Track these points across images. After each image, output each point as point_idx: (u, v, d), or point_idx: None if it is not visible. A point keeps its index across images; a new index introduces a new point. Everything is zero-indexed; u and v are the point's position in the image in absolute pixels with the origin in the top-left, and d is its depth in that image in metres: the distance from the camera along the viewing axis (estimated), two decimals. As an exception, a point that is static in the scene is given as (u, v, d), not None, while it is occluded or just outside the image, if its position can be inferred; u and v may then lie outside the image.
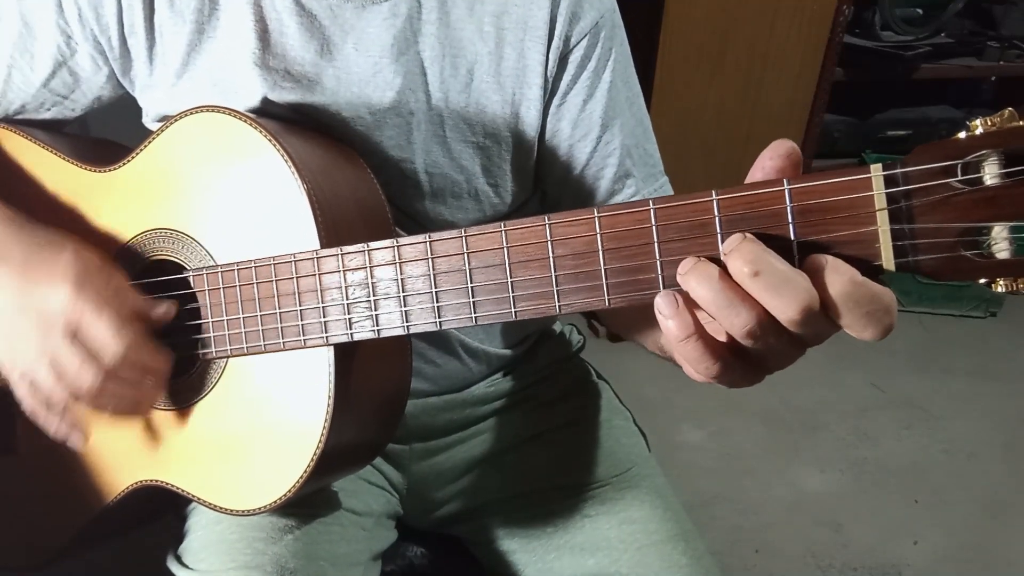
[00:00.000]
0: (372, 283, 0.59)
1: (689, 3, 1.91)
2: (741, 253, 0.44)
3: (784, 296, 0.43)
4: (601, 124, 0.77)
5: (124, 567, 1.00)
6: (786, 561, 1.63)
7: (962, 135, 0.43)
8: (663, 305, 0.47)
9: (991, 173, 0.42)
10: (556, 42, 0.73)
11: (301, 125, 0.71)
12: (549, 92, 0.75)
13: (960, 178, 0.43)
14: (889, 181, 0.44)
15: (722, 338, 0.47)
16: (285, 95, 0.71)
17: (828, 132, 2.42)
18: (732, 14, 1.96)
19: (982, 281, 0.44)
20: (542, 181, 0.81)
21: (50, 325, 0.63)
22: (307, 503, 0.77)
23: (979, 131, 0.42)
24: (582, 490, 0.85)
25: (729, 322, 0.45)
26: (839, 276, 0.43)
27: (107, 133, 0.84)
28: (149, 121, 0.77)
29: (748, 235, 0.45)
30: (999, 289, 0.43)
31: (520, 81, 0.74)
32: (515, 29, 0.73)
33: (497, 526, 0.86)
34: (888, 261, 0.45)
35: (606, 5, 0.75)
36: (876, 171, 0.44)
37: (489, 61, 0.73)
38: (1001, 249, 0.43)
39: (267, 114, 0.71)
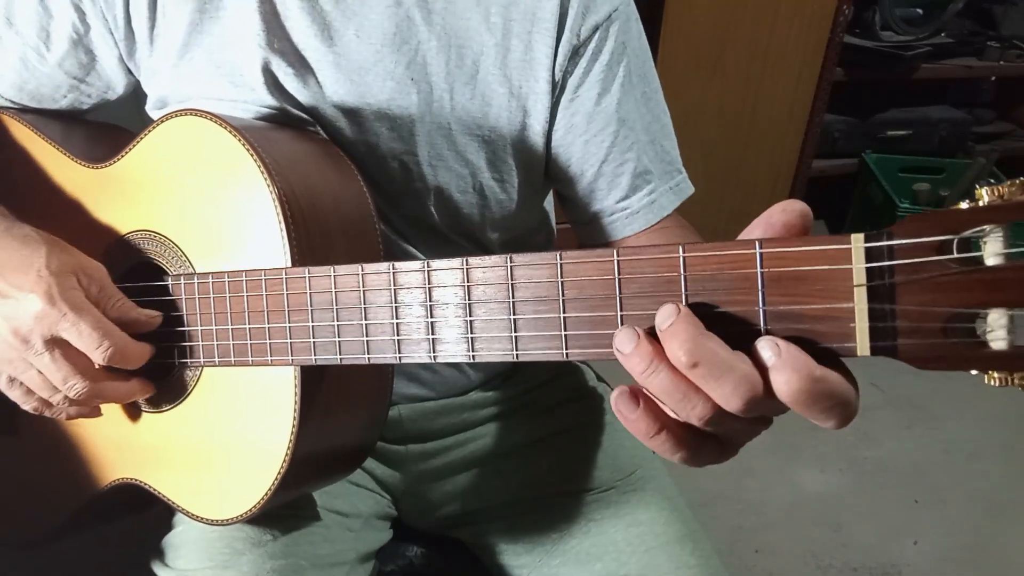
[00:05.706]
0: (336, 308, 0.57)
1: (689, 3, 1.91)
2: (676, 336, 0.40)
3: (725, 387, 0.39)
4: (618, 119, 0.75)
5: (113, 558, 1.01)
6: (786, 561, 1.63)
7: (964, 205, 0.37)
8: (633, 427, 0.43)
9: (993, 251, 0.37)
10: (567, 35, 0.72)
11: (288, 129, 0.70)
12: (559, 87, 0.73)
13: (955, 256, 0.37)
14: (872, 254, 0.39)
15: (691, 421, 0.43)
16: (289, 81, 0.70)
17: (828, 132, 2.42)
18: (732, 14, 1.96)
19: (972, 372, 0.38)
20: (555, 180, 0.80)
21: (26, 337, 0.61)
22: (289, 505, 0.77)
23: (984, 202, 0.37)
24: (586, 495, 0.84)
25: (686, 414, 0.41)
26: (793, 374, 0.38)
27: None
28: (151, 108, 0.76)
29: (683, 309, 0.40)
30: (992, 383, 0.38)
31: (526, 74, 0.72)
32: (523, 20, 0.71)
33: (500, 532, 0.86)
34: (863, 344, 0.39)
35: None
36: (857, 242, 0.39)
37: (495, 53, 0.71)
38: (997, 338, 0.37)
39: (267, 104, 0.71)
